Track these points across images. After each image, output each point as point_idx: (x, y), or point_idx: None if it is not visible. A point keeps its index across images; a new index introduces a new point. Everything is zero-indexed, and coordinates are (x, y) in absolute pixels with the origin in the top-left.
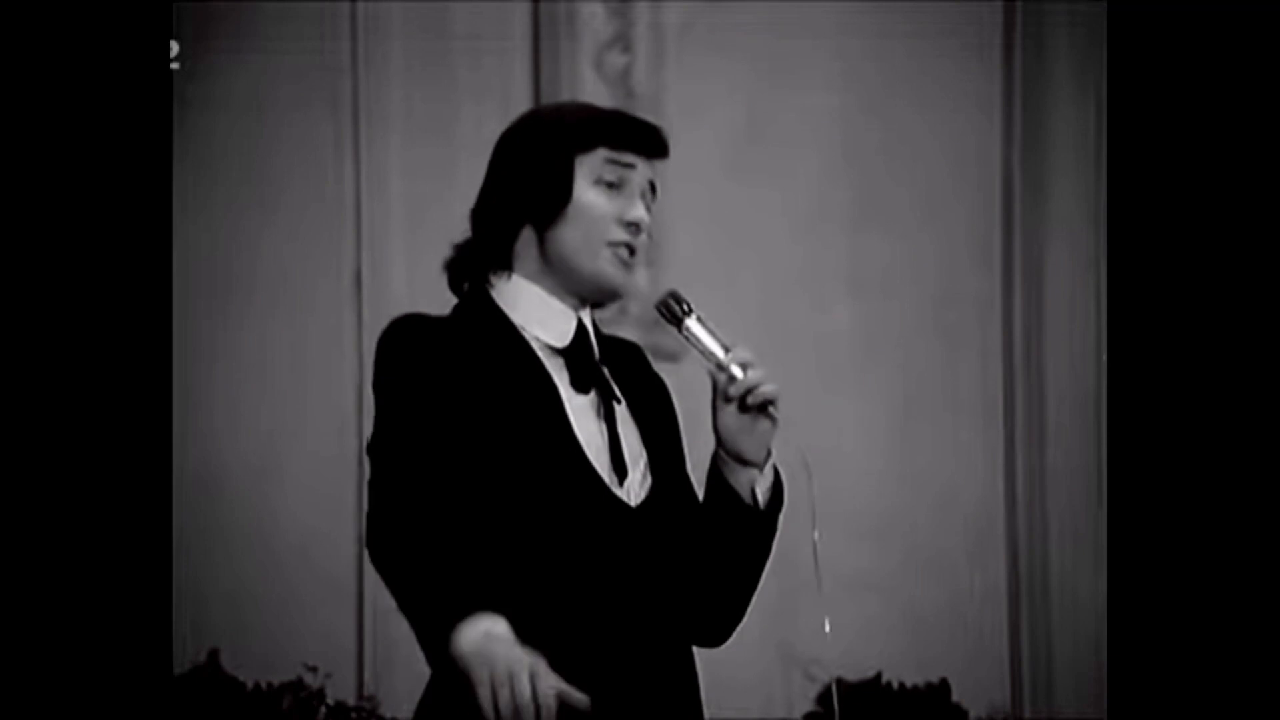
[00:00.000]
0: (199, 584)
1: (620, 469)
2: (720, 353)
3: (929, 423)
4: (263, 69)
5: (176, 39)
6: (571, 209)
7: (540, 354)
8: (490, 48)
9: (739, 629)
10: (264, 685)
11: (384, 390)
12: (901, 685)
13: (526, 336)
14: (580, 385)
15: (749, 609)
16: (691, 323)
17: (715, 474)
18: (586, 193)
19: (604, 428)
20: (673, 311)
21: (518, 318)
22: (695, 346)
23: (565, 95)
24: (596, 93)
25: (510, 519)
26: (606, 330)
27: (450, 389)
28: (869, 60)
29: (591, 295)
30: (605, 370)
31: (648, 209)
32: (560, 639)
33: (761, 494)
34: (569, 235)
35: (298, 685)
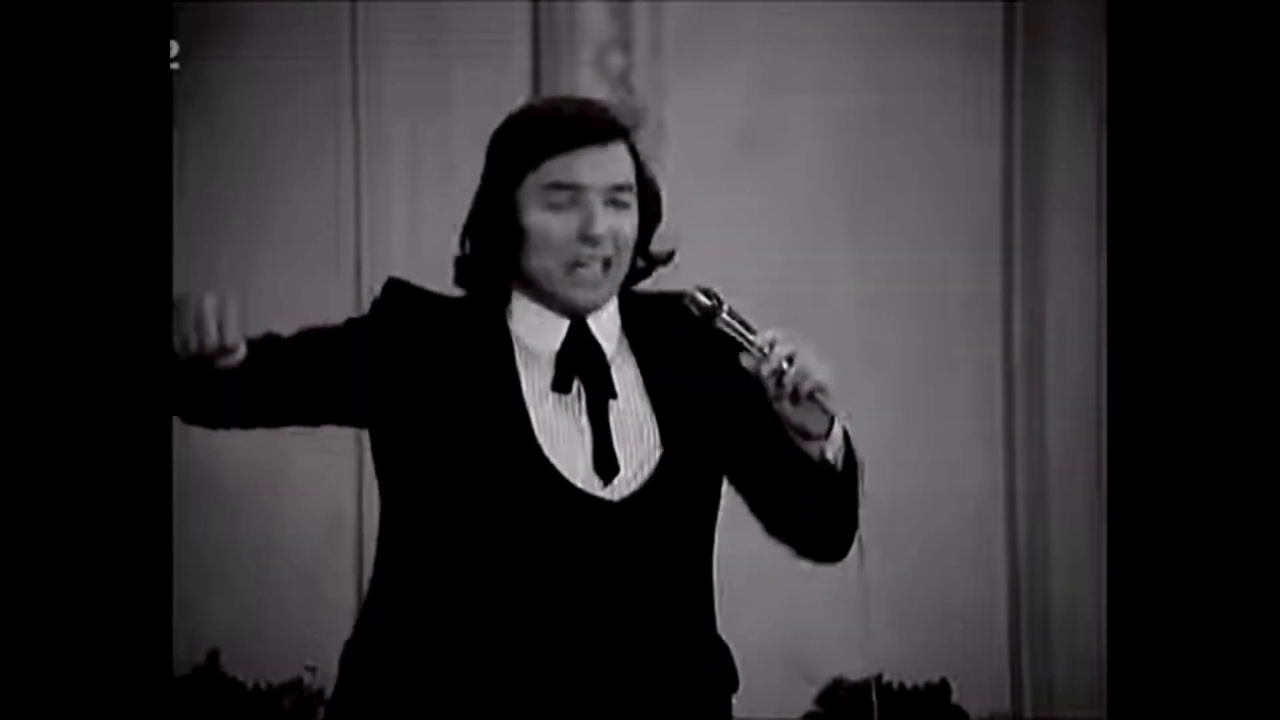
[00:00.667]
0: (199, 584)
1: (607, 469)
2: (763, 345)
3: (928, 422)
4: (262, 69)
5: (176, 39)
6: (528, 238)
7: (523, 354)
8: (490, 48)
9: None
10: (264, 685)
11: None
12: (901, 685)
13: (515, 338)
14: (560, 385)
15: (855, 526)
16: (725, 317)
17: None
18: (534, 218)
19: (588, 426)
20: (702, 307)
21: (515, 325)
22: (733, 336)
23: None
24: (596, 93)
25: (470, 520)
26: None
27: (409, 370)
28: (869, 61)
29: (562, 311)
30: (623, 358)
31: (615, 204)
32: (544, 641)
33: (833, 456)
34: (532, 262)
35: (298, 685)
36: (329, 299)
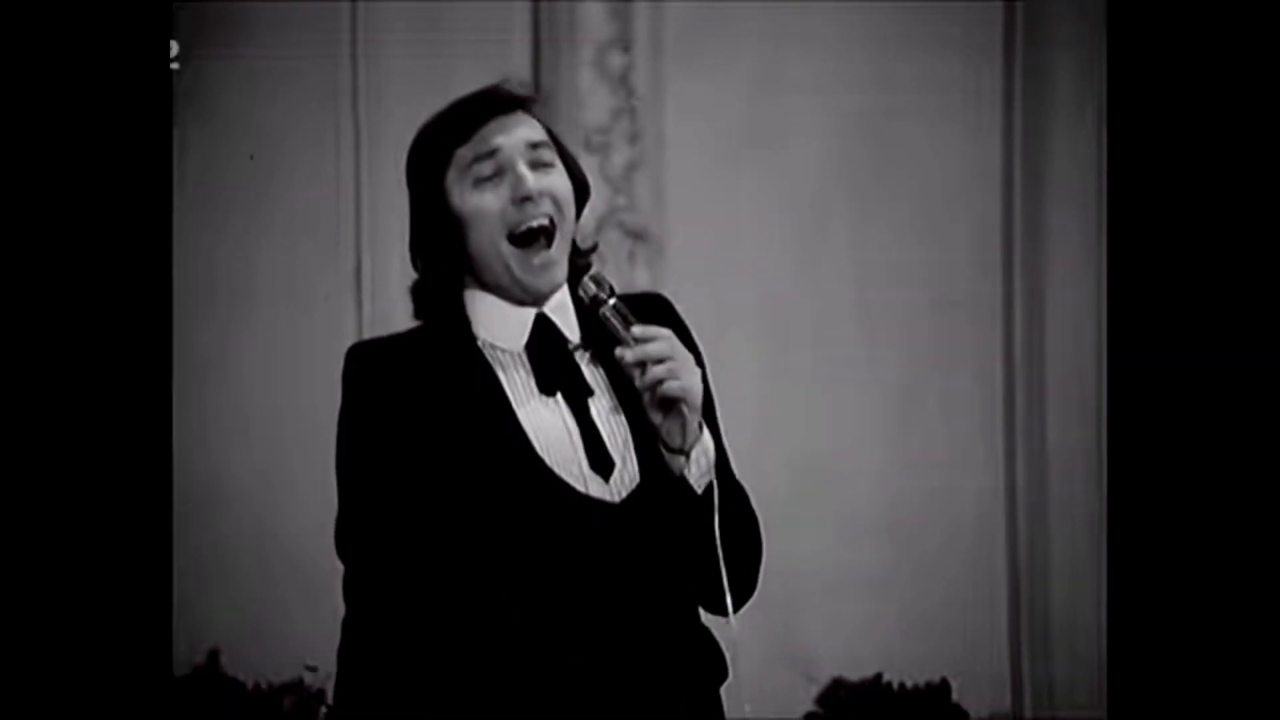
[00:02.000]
0: (199, 584)
1: (603, 466)
2: (635, 339)
3: (929, 422)
4: (262, 69)
5: (176, 39)
6: (466, 227)
7: (499, 361)
8: (490, 48)
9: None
10: (264, 685)
11: (339, 442)
12: (901, 685)
13: (484, 347)
14: (546, 388)
15: (754, 586)
16: (609, 306)
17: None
18: (467, 201)
19: (575, 426)
20: (590, 294)
21: (480, 328)
22: (608, 324)
23: (565, 95)
24: (597, 93)
25: (478, 538)
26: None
27: (395, 422)
28: (869, 60)
29: (524, 297)
30: (587, 357)
31: (539, 165)
32: (556, 645)
33: (695, 479)
34: (476, 246)
35: (298, 685)
36: (328, 297)
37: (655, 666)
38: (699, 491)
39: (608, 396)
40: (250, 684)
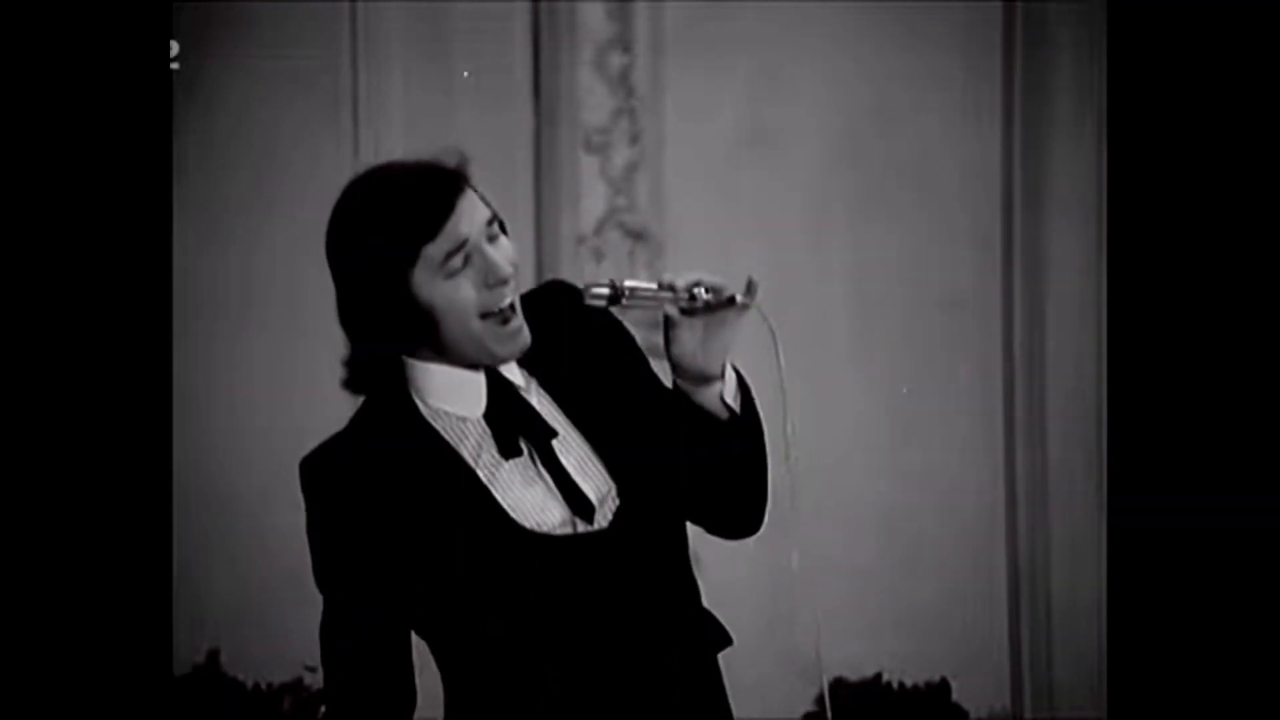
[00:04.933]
0: (199, 585)
1: (583, 509)
2: (661, 281)
3: (929, 422)
4: (262, 69)
5: (176, 39)
6: (437, 315)
7: (455, 433)
8: (490, 48)
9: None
10: (264, 685)
11: (313, 555)
12: (901, 685)
13: (432, 417)
14: (507, 451)
15: (765, 487)
16: (629, 291)
17: (683, 402)
18: (439, 292)
19: (547, 475)
20: (608, 297)
21: (431, 398)
22: (643, 302)
23: (565, 95)
24: (597, 93)
25: (479, 612)
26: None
27: (368, 527)
28: (869, 60)
29: (490, 363)
30: (532, 388)
31: (493, 239)
32: (579, 683)
33: (731, 398)
34: (448, 331)
35: (298, 685)
36: (329, 300)
37: (661, 668)
38: (738, 410)
39: (565, 427)
40: (250, 684)
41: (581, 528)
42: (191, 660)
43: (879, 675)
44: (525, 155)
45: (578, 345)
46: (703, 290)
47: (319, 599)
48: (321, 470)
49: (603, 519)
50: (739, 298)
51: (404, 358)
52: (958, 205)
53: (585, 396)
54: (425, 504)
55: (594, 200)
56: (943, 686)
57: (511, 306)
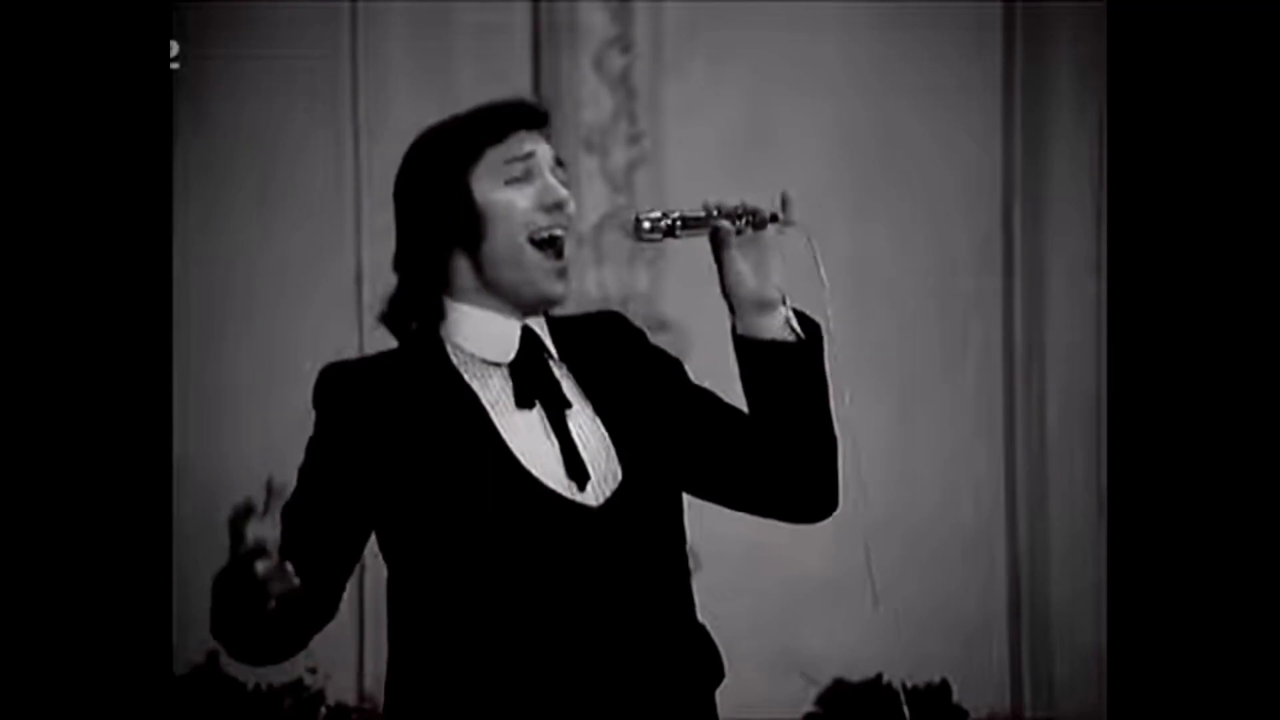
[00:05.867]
0: (200, 585)
1: (579, 475)
2: (709, 207)
3: (929, 423)
4: (263, 69)
5: (176, 39)
6: (488, 222)
7: (478, 378)
8: (490, 48)
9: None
10: (264, 686)
11: (307, 450)
12: (902, 685)
13: (460, 363)
14: (523, 401)
15: (835, 446)
16: (679, 222)
17: (746, 349)
18: (494, 196)
19: (554, 435)
20: (661, 228)
21: (464, 342)
22: (695, 229)
23: (565, 95)
24: (597, 93)
25: (463, 551)
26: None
27: (369, 442)
28: (869, 60)
29: (528, 305)
30: (563, 371)
31: (564, 184)
32: (547, 649)
33: (795, 323)
34: (493, 247)
35: (298, 686)
36: (329, 300)
37: (647, 669)
38: (803, 335)
39: (586, 409)
40: (250, 684)
41: (575, 494)
42: (191, 660)
43: (879, 675)
44: None
45: (633, 370)
46: (746, 211)
47: None
48: (337, 377)
49: (597, 496)
50: (780, 214)
51: (444, 298)
52: (958, 205)
53: (619, 395)
54: (430, 430)
55: (594, 200)
56: (943, 687)
57: (561, 244)
